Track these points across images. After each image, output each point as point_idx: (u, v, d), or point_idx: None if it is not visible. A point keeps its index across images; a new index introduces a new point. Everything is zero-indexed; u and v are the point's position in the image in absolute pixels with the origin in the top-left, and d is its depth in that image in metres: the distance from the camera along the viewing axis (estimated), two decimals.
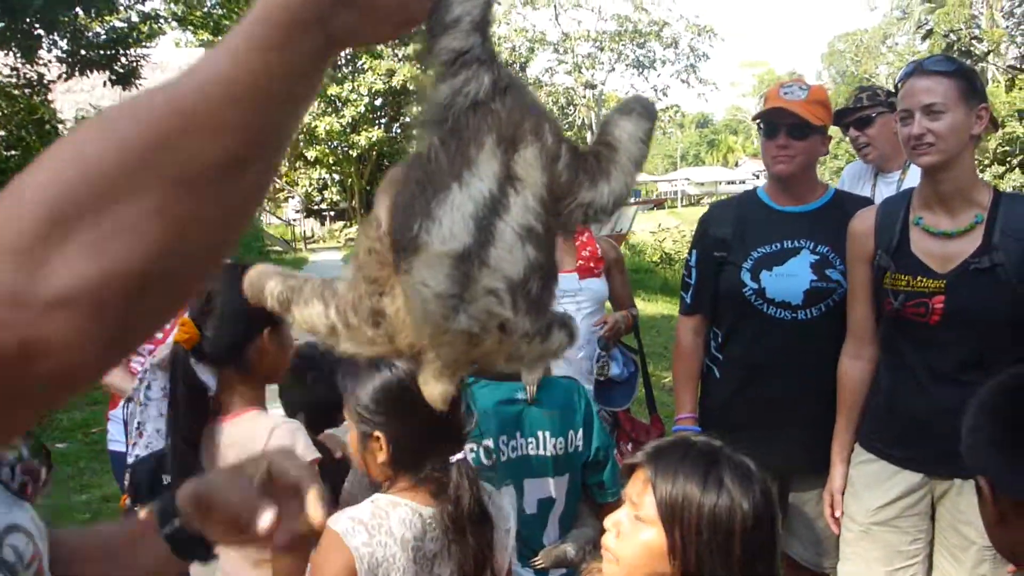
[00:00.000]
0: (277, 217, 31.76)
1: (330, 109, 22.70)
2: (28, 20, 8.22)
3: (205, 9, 12.38)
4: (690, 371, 2.63)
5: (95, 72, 9.73)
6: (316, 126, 22.42)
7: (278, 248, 24.11)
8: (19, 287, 0.42)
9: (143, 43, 10.61)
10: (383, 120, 24.38)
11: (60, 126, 9.62)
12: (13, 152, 9.23)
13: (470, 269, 0.66)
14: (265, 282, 0.87)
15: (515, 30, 25.75)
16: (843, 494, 2.31)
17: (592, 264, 3.17)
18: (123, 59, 9.98)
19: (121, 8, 10.25)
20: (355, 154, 23.89)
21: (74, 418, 6.19)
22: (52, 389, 0.46)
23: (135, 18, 10.63)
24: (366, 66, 21.84)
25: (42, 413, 0.48)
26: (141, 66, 10.29)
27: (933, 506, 2.19)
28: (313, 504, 0.84)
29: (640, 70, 28.93)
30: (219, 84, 0.48)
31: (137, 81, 10.05)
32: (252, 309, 1.73)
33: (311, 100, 0.55)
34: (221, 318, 1.75)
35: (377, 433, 1.54)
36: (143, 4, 10.82)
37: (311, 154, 24.34)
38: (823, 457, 2.35)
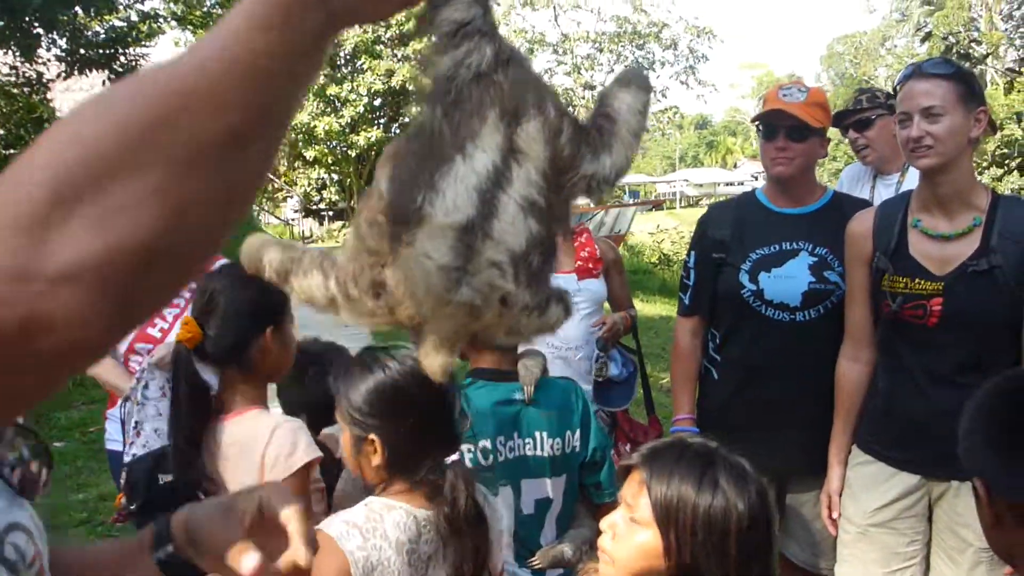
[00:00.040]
0: (276, 217, 31.70)
1: (329, 109, 22.62)
2: (27, 19, 8.19)
3: (205, 8, 12.35)
4: (688, 372, 2.62)
5: (94, 71, 9.70)
6: (315, 126, 22.34)
7: None
8: (21, 263, 0.42)
9: (142, 42, 10.58)
10: (382, 120, 24.32)
11: None
12: (12, 151, 9.21)
13: (473, 241, 0.66)
14: (264, 252, 0.85)
15: (514, 31, 25.72)
16: (840, 496, 2.32)
17: (591, 265, 3.17)
18: (122, 58, 9.94)
19: (120, 7, 10.22)
20: (354, 154, 23.82)
21: (72, 417, 6.17)
22: (56, 365, 0.46)
23: (134, 17, 10.60)
24: (365, 66, 21.78)
25: (45, 392, 0.48)
26: (140, 65, 10.26)
27: (930, 508, 2.19)
28: (298, 546, 0.84)
29: None
30: (220, 63, 0.48)
31: None
32: (255, 309, 1.75)
33: (313, 78, 0.55)
34: (224, 317, 1.75)
35: (372, 436, 1.52)
36: (142, 3, 10.80)
37: (310, 154, 24.27)
38: (821, 458, 2.35)
